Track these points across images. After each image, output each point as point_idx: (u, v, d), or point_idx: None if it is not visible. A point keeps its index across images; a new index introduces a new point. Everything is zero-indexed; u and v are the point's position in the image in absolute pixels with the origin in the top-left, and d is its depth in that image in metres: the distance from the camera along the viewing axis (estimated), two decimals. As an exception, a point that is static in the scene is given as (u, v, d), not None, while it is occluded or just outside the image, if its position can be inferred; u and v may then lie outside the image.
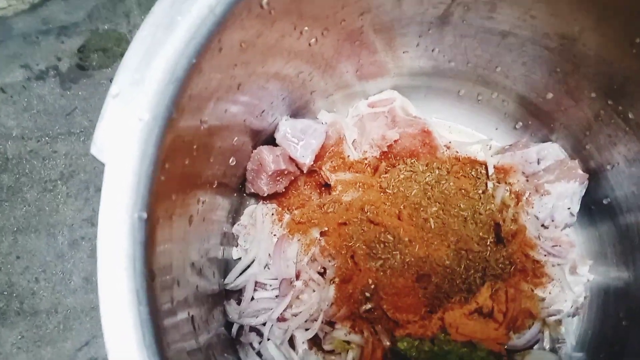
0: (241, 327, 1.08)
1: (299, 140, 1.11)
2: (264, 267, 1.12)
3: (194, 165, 0.73)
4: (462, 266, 1.00)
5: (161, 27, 0.59)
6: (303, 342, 1.04)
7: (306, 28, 0.86)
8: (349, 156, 1.19)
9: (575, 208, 1.17)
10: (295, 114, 1.16)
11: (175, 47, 0.60)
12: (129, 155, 0.56)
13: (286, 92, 1.02)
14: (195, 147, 0.72)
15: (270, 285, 1.10)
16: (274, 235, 1.14)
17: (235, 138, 0.93)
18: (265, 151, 1.08)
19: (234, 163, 0.97)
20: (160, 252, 0.63)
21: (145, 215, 0.56)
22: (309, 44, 0.92)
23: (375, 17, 0.97)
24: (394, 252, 1.00)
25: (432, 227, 1.03)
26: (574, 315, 1.15)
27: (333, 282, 1.03)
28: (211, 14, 0.62)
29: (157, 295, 0.59)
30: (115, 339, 0.52)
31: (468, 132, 1.29)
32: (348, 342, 1.01)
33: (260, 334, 1.06)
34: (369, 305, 0.98)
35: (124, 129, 0.57)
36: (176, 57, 0.60)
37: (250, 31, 0.72)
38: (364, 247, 1.03)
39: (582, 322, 1.18)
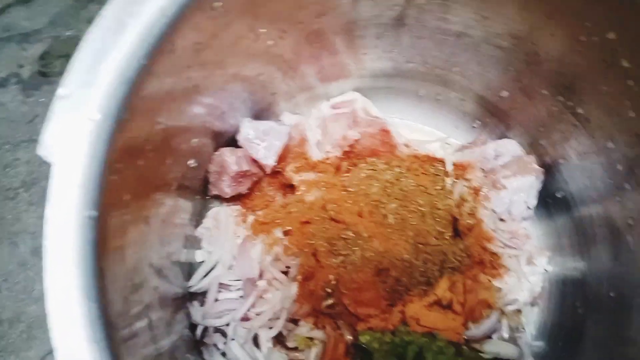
0: (205, 329, 1.08)
1: (262, 142, 1.12)
2: (228, 269, 1.13)
3: (149, 166, 0.74)
4: (421, 260, 1.02)
5: (111, 30, 0.60)
6: (267, 341, 1.04)
7: (263, 30, 0.87)
8: (312, 157, 1.20)
9: (532, 202, 1.21)
10: (258, 115, 1.17)
11: (125, 49, 0.60)
12: (78, 155, 0.57)
13: (246, 93, 1.04)
14: (150, 148, 0.73)
15: (234, 287, 1.11)
16: (238, 236, 1.14)
17: (195, 140, 0.93)
18: (227, 153, 1.09)
19: (195, 165, 0.98)
20: (114, 252, 0.64)
21: (95, 213, 0.57)
22: (268, 46, 0.93)
23: (333, 19, 0.99)
24: (354, 248, 1.02)
25: (391, 222, 1.06)
26: (532, 305, 1.19)
27: (295, 280, 1.04)
28: (162, 16, 0.63)
29: (110, 294, 0.60)
30: (64, 335, 0.53)
31: (429, 131, 1.32)
32: (311, 339, 1.02)
33: (224, 334, 1.07)
34: (330, 301, 1.00)
35: (72, 130, 0.57)
36: (127, 58, 0.60)
37: (205, 33, 0.74)
38: (325, 244, 1.05)
39: (542, 312, 1.21)
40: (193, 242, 1.16)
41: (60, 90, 0.58)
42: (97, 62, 0.59)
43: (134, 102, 0.63)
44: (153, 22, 0.62)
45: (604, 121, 0.99)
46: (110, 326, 0.57)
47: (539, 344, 1.18)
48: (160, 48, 0.64)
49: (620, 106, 0.94)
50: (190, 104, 0.83)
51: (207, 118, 0.94)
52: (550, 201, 1.22)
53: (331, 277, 1.01)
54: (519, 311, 1.15)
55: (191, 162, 0.97)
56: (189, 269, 1.14)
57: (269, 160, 1.12)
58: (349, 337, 1.00)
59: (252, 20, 0.82)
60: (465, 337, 1.04)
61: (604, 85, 0.94)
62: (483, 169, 1.22)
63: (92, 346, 0.53)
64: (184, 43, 0.69)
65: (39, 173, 1.28)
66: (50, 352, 1.18)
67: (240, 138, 1.12)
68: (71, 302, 0.53)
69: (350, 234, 1.05)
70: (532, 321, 1.18)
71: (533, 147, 1.22)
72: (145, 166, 0.73)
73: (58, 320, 0.53)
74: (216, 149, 1.10)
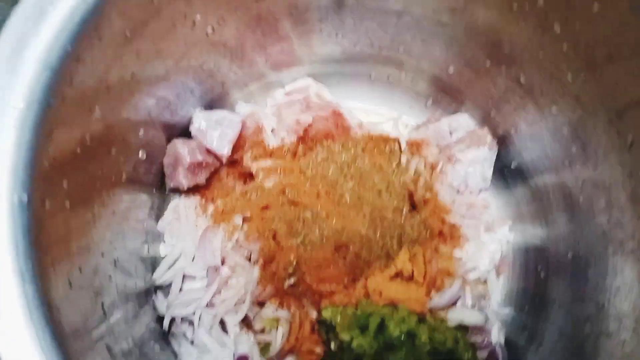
0: (173, 320, 1.09)
1: (215, 131, 1.12)
2: (192, 260, 1.13)
3: (89, 155, 0.74)
4: (378, 234, 1.04)
5: (32, 18, 0.61)
6: (234, 325, 1.05)
7: (198, 17, 0.88)
8: (268, 144, 1.21)
9: (488, 173, 1.23)
10: (211, 106, 1.18)
11: (47, 36, 0.61)
12: (4, 141, 0.57)
13: (193, 83, 1.04)
14: (88, 137, 0.73)
15: (199, 277, 1.12)
16: (199, 227, 1.15)
17: (141, 130, 0.94)
18: (179, 144, 1.09)
19: (144, 157, 0.98)
20: (57, 240, 0.64)
21: (25, 197, 0.57)
22: (207, 34, 0.94)
23: (271, 4, 1.00)
24: (312, 228, 1.04)
25: (348, 201, 1.07)
26: (498, 275, 1.21)
27: (257, 264, 1.05)
28: (83, 3, 0.64)
29: (53, 280, 0.60)
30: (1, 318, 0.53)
31: (384, 113, 1.33)
32: (277, 319, 1.03)
33: (191, 323, 1.07)
34: (292, 280, 1.01)
35: (-2, 117, 0.58)
36: (49, 45, 0.61)
37: (134, 20, 0.74)
38: (284, 226, 1.06)
39: (507, 280, 1.23)
40: (155, 237, 1.16)
41: (-17, 79, 0.59)
42: (19, 49, 0.60)
43: (62, 89, 0.63)
44: (73, 9, 0.62)
45: (545, 87, 1.01)
46: (52, 309, 0.58)
47: (506, 311, 1.20)
48: (84, 34, 0.64)
49: (558, 71, 0.96)
50: (130, 94, 0.84)
51: (152, 109, 0.95)
52: (507, 172, 1.25)
53: (292, 257, 1.02)
54: (484, 282, 1.18)
55: (141, 154, 0.97)
56: (154, 263, 1.14)
57: (224, 150, 1.13)
58: (314, 314, 1.01)
59: (184, 7, 0.83)
60: (429, 307, 1.05)
61: (541, 51, 0.96)
62: (438, 145, 1.24)
63: (29, 327, 0.54)
64: (111, 30, 0.70)
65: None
66: None
67: (193, 129, 1.12)
68: (4, 285, 0.54)
69: (308, 214, 1.06)
70: (497, 290, 1.20)
71: (486, 120, 1.24)
72: (85, 155, 0.73)
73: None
74: (169, 141, 1.10)
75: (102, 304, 0.77)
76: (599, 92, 0.89)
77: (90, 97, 0.72)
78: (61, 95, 0.64)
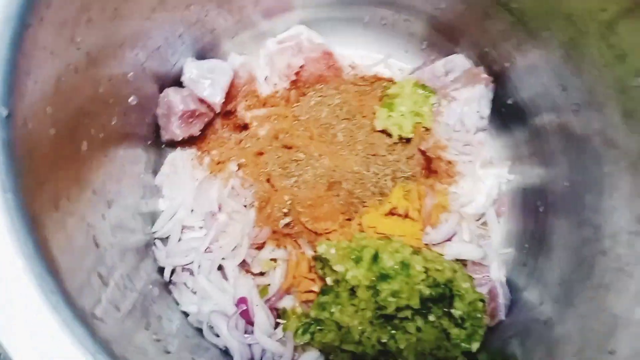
0: (173, 271, 1.09)
1: (206, 80, 1.12)
2: (190, 211, 1.14)
3: (73, 86, 0.74)
4: (372, 170, 1.03)
5: None
6: (233, 270, 1.06)
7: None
8: (261, 93, 1.21)
9: (485, 111, 1.21)
10: (202, 56, 1.17)
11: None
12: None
13: (181, 28, 1.04)
14: (72, 67, 0.74)
15: (198, 227, 1.12)
16: (197, 179, 1.15)
17: (130, 74, 0.94)
18: (171, 92, 1.09)
19: (135, 102, 0.98)
20: (38, 161, 0.65)
21: (5, 111, 0.58)
22: (190, -29, 0.94)
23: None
24: (306, 168, 1.04)
25: (341, 140, 1.07)
26: (498, 217, 1.20)
27: (253, 207, 1.05)
28: None
29: (33, 196, 0.61)
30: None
31: (380, 59, 1.32)
32: (275, 260, 1.04)
33: (192, 272, 1.08)
34: (287, 220, 1.01)
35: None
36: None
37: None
38: (278, 169, 1.06)
39: (507, 221, 1.23)
40: (154, 191, 1.17)
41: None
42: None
43: (38, 9, 0.64)
44: None
45: (536, 10, 1.00)
46: (37, 222, 0.59)
47: (508, 250, 1.20)
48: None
49: (547, -10, 0.94)
50: (114, 29, 0.84)
51: (139, 51, 0.95)
52: (505, 111, 1.23)
53: (286, 197, 1.03)
54: (484, 224, 1.17)
55: (132, 99, 0.98)
56: (153, 217, 1.15)
57: (216, 98, 1.13)
58: (311, 253, 1.02)
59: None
60: (426, 242, 1.05)
61: (529, -29, 0.95)
62: (435, 87, 1.23)
63: (11, 234, 0.54)
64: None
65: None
66: None
67: (185, 78, 1.12)
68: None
69: (301, 155, 1.06)
70: (497, 231, 1.19)
71: (481, 58, 1.22)
72: (70, 84, 0.73)
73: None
74: (161, 92, 1.10)
75: (94, 237, 0.78)
76: (589, 6, 0.87)
77: (71, 25, 0.72)
78: (38, 14, 0.64)
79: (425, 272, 0.94)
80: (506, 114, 1.23)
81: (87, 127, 0.82)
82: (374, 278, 0.91)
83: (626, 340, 0.73)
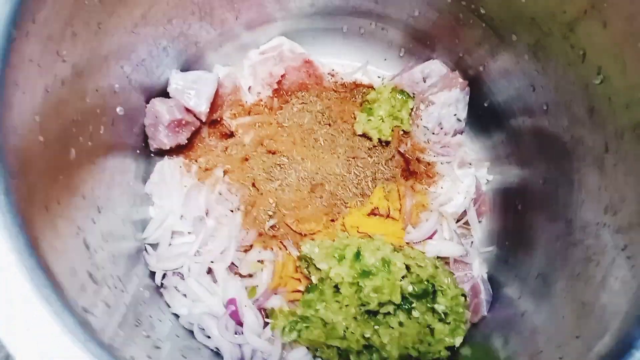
0: (164, 276, 1.12)
1: (191, 90, 1.16)
2: (180, 217, 1.17)
3: (61, 96, 0.78)
4: (353, 172, 1.07)
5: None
6: (222, 272, 1.09)
7: (160, -33, 0.92)
8: (246, 102, 1.25)
9: (462, 114, 1.26)
10: (187, 68, 1.21)
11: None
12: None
13: (164, 40, 1.08)
14: (58, 78, 0.77)
15: (187, 232, 1.15)
16: (185, 186, 1.19)
17: (116, 85, 0.98)
18: (157, 103, 1.13)
19: (122, 113, 1.02)
20: (26, 165, 0.68)
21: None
22: (171, -13, 0.98)
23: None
24: (289, 172, 1.08)
25: (322, 144, 1.11)
26: (479, 217, 1.24)
27: (239, 210, 1.09)
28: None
29: (24, 196, 0.64)
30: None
31: (358, 67, 1.36)
32: (262, 262, 1.07)
33: (182, 276, 1.11)
34: (272, 222, 1.04)
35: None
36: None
37: (93, -36, 0.78)
38: (263, 173, 1.10)
39: (488, 221, 1.27)
40: (144, 200, 1.20)
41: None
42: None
43: (23, 24, 0.68)
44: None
45: (503, 15, 1.05)
46: (28, 222, 0.62)
47: (490, 248, 1.23)
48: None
49: (512, -6, 0.99)
50: (98, 42, 0.87)
51: (124, 63, 0.98)
52: (482, 113, 1.27)
53: (271, 200, 1.06)
54: (465, 223, 1.20)
55: (119, 110, 1.01)
56: (144, 224, 1.18)
57: (202, 107, 1.17)
58: (296, 254, 1.05)
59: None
60: (407, 241, 1.09)
61: (495, -24, 1.00)
62: (413, 93, 1.27)
63: (3, 231, 0.58)
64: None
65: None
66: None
67: (171, 89, 1.16)
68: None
69: (285, 159, 1.10)
70: (479, 231, 1.23)
71: (457, 64, 1.27)
72: (57, 96, 0.77)
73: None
74: (148, 102, 1.14)
75: (84, 239, 0.81)
76: (551, 8, 0.92)
77: (56, 39, 0.76)
78: (24, 30, 0.68)
79: (408, 269, 0.97)
80: (483, 116, 1.28)
81: (75, 135, 0.85)
82: (356, 275, 0.95)
83: (590, 325, 0.77)
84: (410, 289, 0.94)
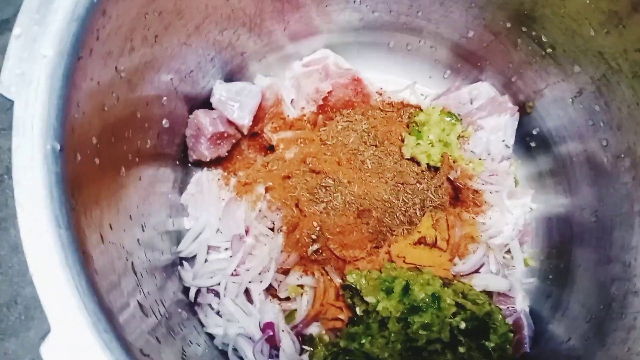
0: (199, 291, 1.09)
1: (235, 102, 1.13)
2: (216, 232, 1.14)
3: (115, 115, 0.75)
4: (401, 199, 1.03)
5: (59, -30, 0.61)
6: (259, 294, 1.06)
7: (219, -21, 0.88)
8: (288, 115, 1.21)
9: (510, 140, 1.22)
10: (230, 78, 1.18)
11: (74, -13, 0.62)
12: (37, 90, 0.58)
13: (213, 51, 1.04)
14: (114, 95, 0.74)
15: (223, 248, 1.12)
16: (223, 199, 1.16)
17: (164, 98, 0.94)
18: (201, 114, 1.10)
19: (167, 125, 0.99)
20: (85, 192, 0.65)
21: (58, 146, 0.58)
22: (227, -1, 0.95)
23: (290, -31, 1.00)
24: (334, 194, 1.04)
25: (369, 167, 1.07)
26: (521, 245, 1.20)
27: (281, 231, 1.05)
28: (108, -44, 0.64)
29: (82, 228, 0.61)
30: (38, 259, 0.54)
31: (404, 83, 1.33)
32: (302, 286, 1.04)
33: (217, 294, 1.08)
34: (315, 246, 1.01)
35: (30, 66, 0.59)
36: (76, -4, 0.62)
37: (157, -22, 0.75)
38: (307, 194, 1.06)
39: (531, 250, 1.23)
40: (179, 210, 1.17)
41: (15, 30, 0.59)
42: (48, 0, 0.61)
43: (88, 41, 0.64)
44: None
45: (567, 45, 1.00)
46: (86, 256, 0.59)
47: (531, 280, 1.20)
48: (110, -13, 0.65)
49: (580, 26, 0.95)
50: (153, 56, 0.84)
51: (174, 75, 0.95)
52: (530, 140, 1.24)
53: (315, 223, 1.02)
54: (504, 245, 1.17)
55: (164, 122, 0.98)
56: (179, 236, 1.15)
57: (245, 120, 1.13)
58: (338, 281, 1.02)
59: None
60: (454, 273, 1.05)
61: (563, 7, 0.96)
62: (459, 114, 1.23)
63: (65, 271, 0.54)
64: (135, -14, 0.71)
65: (21, 159, 1.29)
66: (49, 330, 1.20)
67: (214, 100, 1.13)
68: (40, 229, 0.55)
69: (330, 181, 1.06)
70: (521, 260, 1.19)
71: (506, 87, 1.23)
72: (112, 113, 0.74)
73: (31, 246, 0.55)
74: (190, 113, 1.11)
75: (132, 265, 0.78)
76: (623, 45, 0.88)
77: (116, 54, 0.72)
78: (89, 48, 0.64)
79: (460, 305, 0.93)
80: (531, 143, 1.24)
81: (126, 152, 0.82)
82: (404, 310, 0.91)
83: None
84: (463, 325, 0.90)
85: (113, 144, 0.76)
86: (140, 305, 0.73)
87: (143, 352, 0.62)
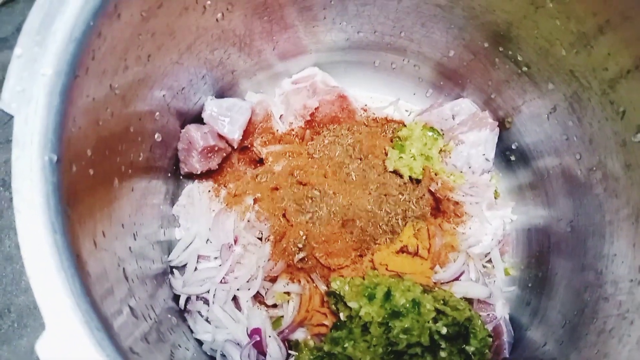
0: (188, 299, 1.13)
1: (226, 117, 1.18)
2: (206, 242, 1.18)
3: (110, 127, 0.79)
4: (384, 209, 1.08)
5: (58, -5, 0.66)
6: (247, 301, 1.10)
7: (209, 2, 0.93)
8: (277, 130, 1.26)
9: (490, 154, 1.27)
10: (221, 95, 1.23)
11: (71, 11, 0.66)
12: (36, 106, 0.62)
13: (204, 70, 1.09)
14: (109, 110, 0.78)
15: (213, 257, 1.16)
16: (213, 210, 1.20)
17: (157, 113, 0.99)
18: (192, 129, 1.14)
19: (160, 139, 1.03)
20: (80, 201, 0.69)
21: (55, 157, 0.62)
22: (217, 20, 1.00)
23: (276, -10, 1.05)
24: (320, 205, 1.08)
25: (354, 179, 1.12)
26: (502, 255, 1.24)
27: (268, 240, 1.09)
28: (103, -18, 0.69)
29: (77, 234, 0.65)
30: (35, 263, 0.58)
31: (388, 100, 1.38)
32: (288, 293, 1.08)
33: (207, 302, 1.12)
34: (302, 255, 1.05)
35: (29, 84, 0.63)
36: (73, 19, 0.66)
37: (149, 1, 0.80)
38: (294, 205, 1.10)
39: (510, 260, 1.27)
40: (171, 221, 1.21)
41: (16, 50, 0.64)
42: (47, 23, 0.65)
43: (84, 61, 0.69)
44: (96, -14, 0.68)
45: (541, 64, 1.06)
46: (80, 260, 0.63)
47: (512, 289, 1.24)
48: (104, 11, 0.70)
49: (552, 46, 1.01)
50: (146, 74, 0.89)
51: (166, 92, 1.00)
52: (510, 154, 1.29)
53: (301, 233, 1.07)
54: (488, 261, 1.21)
55: (157, 136, 1.02)
56: (170, 246, 1.19)
57: (235, 135, 1.18)
58: (324, 288, 1.06)
59: (196, -9, 0.88)
60: (434, 281, 1.09)
61: (535, 28, 1.01)
62: (442, 130, 1.28)
63: (60, 273, 0.58)
64: (129, 9, 0.75)
65: (19, 172, 1.33)
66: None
67: (205, 115, 1.18)
68: (37, 234, 0.59)
69: (316, 193, 1.11)
70: (501, 269, 1.23)
71: (487, 103, 1.28)
72: (107, 127, 0.78)
73: (28, 250, 0.58)
74: (182, 127, 1.15)
75: (124, 271, 0.82)
76: (591, 64, 0.93)
77: (111, 72, 0.77)
78: (85, 67, 0.69)
79: (442, 312, 0.97)
80: (510, 157, 1.29)
81: (119, 164, 0.86)
82: (386, 315, 0.95)
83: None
84: (444, 331, 0.94)
85: (107, 157, 0.80)
86: (131, 309, 0.77)
87: (133, 351, 0.66)
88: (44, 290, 0.58)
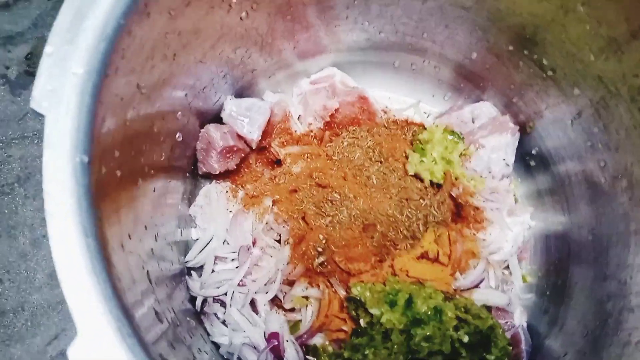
0: (205, 300, 1.12)
1: (245, 118, 1.16)
2: (223, 243, 1.17)
3: (136, 127, 0.78)
4: (405, 214, 1.06)
5: (89, -8, 0.65)
6: (265, 305, 1.08)
7: (235, 0, 0.92)
8: (295, 131, 1.25)
9: (510, 159, 1.25)
10: (240, 94, 1.22)
11: (102, 9, 0.65)
12: (67, 105, 0.61)
13: (226, 69, 1.08)
14: (135, 110, 0.77)
15: (230, 258, 1.15)
16: (230, 211, 1.19)
17: (179, 112, 0.98)
18: (212, 129, 1.13)
19: (181, 139, 1.02)
20: (108, 203, 0.68)
21: (86, 159, 0.61)
22: (241, 18, 0.98)
23: (301, -10, 1.04)
24: (340, 208, 1.07)
25: (374, 182, 1.10)
26: (520, 262, 1.23)
27: (287, 243, 1.08)
28: (135, -20, 0.68)
29: (106, 237, 0.64)
30: (66, 267, 0.57)
31: (408, 101, 1.36)
32: (307, 298, 1.07)
33: (223, 304, 1.11)
34: (321, 259, 1.04)
35: (60, 83, 0.62)
36: (105, 17, 0.65)
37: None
38: (313, 207, 1.09)
39: (528, 267, 1.26)
40: (188, 221, 1.20)
41: (47, 48, 0.63)
42: (78, 21, 0.64)
43: (115, 60, 0.67)
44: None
45: (568, 69, 1.04)
46: (109, 264, 0.61)
47: (529, 296, 1.23)
48: (135, 9, 0.68)
49: (580, 51, 0.99)
50: (170, 73, 0.88)
51: (188, 91, 0.98)
52: (530, 160, 1.27)
53: (321, 236, 1.05)
54: (504, 262, 1.20)
55: (178, 136, 1.01)
56: (186, 247, 1.18)
57: (254, 135, 1.17)
58: (343, 293, 1.04)
59: (223, -10, 0.87)
60: (454, 288, 1.08)
61: (564, 32, 0.99)
62: (461, 132, 1.27)
63: (91, 277, 0.57)
64: (158, 7, 0.74)
65: (33, 168, 1.32)
66: (55, 337, 1.22)
67: (225, 115, 1.16)
68: (69, 237, 0.57)
69: (336, 195, 1.09)
70: (519, 276, 1.22)
71: (508, 107, 1.27)
72: (133, 127, 0.77)
73: (60, 254, 0.57)
74: (202, 127, 1.14)
75: (148, 273, 0.81)
76: (622, 70, 0.92)
77: (138, 71, 0.76)
78: (115, 66, 0.68)
79: (464, 320, 0.96)
80: (530, 162, 1.27)
81: (143, 165, 0.85)
82: (407, 322, 0.94)
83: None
84: (466, 339, 0.93)
85: (132, 157, 0.79)
86: (156, 312, 0.76)
87: (163, 357, 0.65)
88: (77, 295, 0.56)
